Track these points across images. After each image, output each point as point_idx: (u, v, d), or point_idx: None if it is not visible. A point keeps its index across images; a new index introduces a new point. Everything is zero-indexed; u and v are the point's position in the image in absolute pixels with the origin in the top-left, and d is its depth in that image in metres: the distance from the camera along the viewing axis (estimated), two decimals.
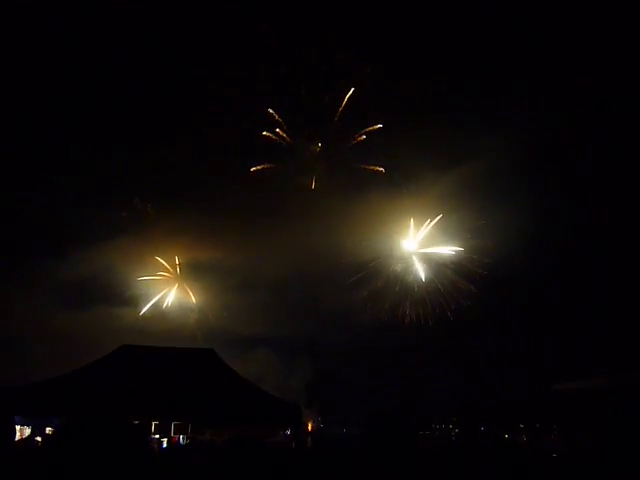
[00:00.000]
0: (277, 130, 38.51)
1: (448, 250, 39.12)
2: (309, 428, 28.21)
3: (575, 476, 10.55)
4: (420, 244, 40.09)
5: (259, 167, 39.30)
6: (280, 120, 38.36)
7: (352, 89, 37.53)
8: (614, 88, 34.02)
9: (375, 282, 39.95)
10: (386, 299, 39.46)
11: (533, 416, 33.30)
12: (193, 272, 41.62)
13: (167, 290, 41.55)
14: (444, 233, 39.83)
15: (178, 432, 18.65)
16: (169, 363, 17.25)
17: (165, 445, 17.21)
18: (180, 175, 39.57)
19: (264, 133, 38.60)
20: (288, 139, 38.86)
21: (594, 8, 32.14)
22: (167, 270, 41.49)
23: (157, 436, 18.20)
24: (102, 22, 34.85)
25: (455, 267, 39.33)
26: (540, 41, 35.25)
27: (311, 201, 40.15)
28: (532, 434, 30.47)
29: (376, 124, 38.08)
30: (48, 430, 16.42)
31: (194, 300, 41.59)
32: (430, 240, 39.95)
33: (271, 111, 38.23)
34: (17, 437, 15.29)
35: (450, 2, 37.25)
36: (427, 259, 39.99)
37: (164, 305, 41.44)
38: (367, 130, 38.41)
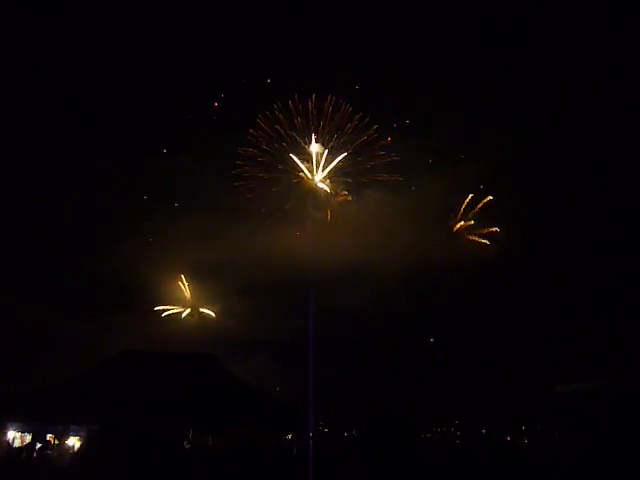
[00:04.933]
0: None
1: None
2: (310, 432, 28.03)
3: (576, 477, 10.54)
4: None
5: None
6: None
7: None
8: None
9: (374, 283, 40.23)
10: (386, 299, 39.68)
11: (534, 418, 33.23)
12: (195, 277, 41.72)
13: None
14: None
15: None
16: (169, 368, 17.19)
17: None
18: (185, 180, 39.78)
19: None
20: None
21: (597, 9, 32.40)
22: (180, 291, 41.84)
23: None
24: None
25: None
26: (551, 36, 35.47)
27: (313, 205, 40.30)
28: (533, 436, 30.36)
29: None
30: (49, 437, 16.35)
31: (214, 315, 42.15)
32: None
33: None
34: (18, 444, 15.27)
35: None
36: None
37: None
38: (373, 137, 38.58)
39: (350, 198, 40.00)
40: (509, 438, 27.95)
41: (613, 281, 35.28)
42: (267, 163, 39.38)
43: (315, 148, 38.85)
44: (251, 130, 38.71)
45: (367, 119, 38.22)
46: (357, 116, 38.21)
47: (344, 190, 40.05)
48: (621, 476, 9.71)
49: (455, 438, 33.94)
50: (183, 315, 42.30)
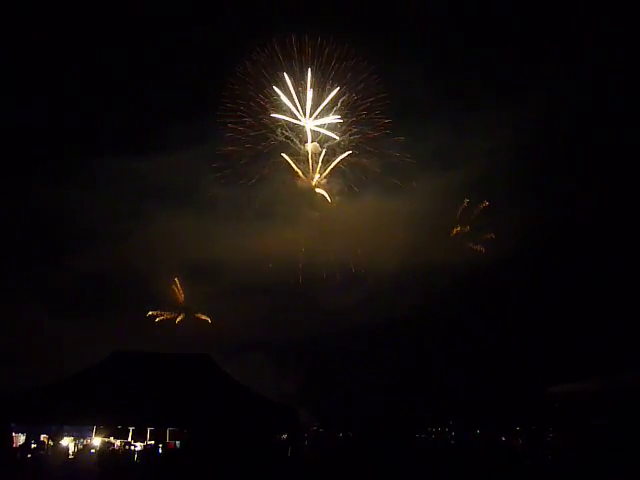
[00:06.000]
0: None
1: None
2: (305, 432, 28.06)
3: (571, 478, 10.59)
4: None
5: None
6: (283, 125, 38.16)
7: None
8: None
9: (369, 284, 40.09)
10: (381, 300, 39.56)
11: (529, 419, 33.35)
12: (189, 277, 41.51)
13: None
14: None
15: (173, 438, 18.45)
16: (164, 369, 17.15)
17: (161, 451, 17.03)
18: (181, 180, 39.73)
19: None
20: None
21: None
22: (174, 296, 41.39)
23: (152, 442, 18.02)
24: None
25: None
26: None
27: (308, 205, 40.19)
28: (528, 437, 30.45)
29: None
30: (43, 437, 16.30)
31: (209, 320, 41.76)
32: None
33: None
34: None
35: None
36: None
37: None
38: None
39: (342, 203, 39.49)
40: (504, 438, 28.00)
41: (609, 282, 35.47)
42: (250, 165, 38.14)
43: (311, 147, 38.06)
44: (230, 125, 37.19)
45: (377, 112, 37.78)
46: (361, 107, 37.80)
47: (338, 195, 39.59)
48: (615, 476, 9.76)
49: (449, 438, 33.97)
50: (177, 320, 41.66)
